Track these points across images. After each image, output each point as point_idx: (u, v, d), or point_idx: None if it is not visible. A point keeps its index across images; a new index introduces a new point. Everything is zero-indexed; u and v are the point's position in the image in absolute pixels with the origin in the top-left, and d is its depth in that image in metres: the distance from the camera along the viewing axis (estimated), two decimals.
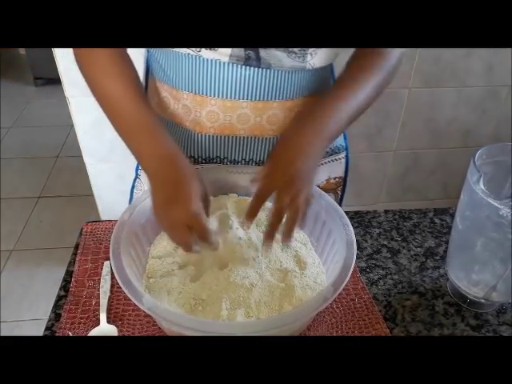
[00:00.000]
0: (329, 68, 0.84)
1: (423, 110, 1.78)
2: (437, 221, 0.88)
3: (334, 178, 0.94)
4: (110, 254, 0.60)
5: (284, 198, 0.61)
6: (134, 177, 0.93)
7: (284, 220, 0.63)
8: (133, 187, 0.93)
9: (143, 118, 0.68)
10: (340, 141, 0.93)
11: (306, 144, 0.66)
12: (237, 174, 0.78)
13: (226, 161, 0.83)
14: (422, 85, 1.71)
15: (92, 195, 1.63)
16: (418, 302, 0.71)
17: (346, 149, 0.94)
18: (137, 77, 0.72)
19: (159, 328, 0.64)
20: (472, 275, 0.67)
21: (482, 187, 0.60)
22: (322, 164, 0.90)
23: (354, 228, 0.68)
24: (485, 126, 1.88)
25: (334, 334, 0.64)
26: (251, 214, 0.64)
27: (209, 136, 0.79)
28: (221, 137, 0.79)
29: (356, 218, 0.87)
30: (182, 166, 0.65)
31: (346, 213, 0.70)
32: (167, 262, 0.68)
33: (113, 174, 1.58)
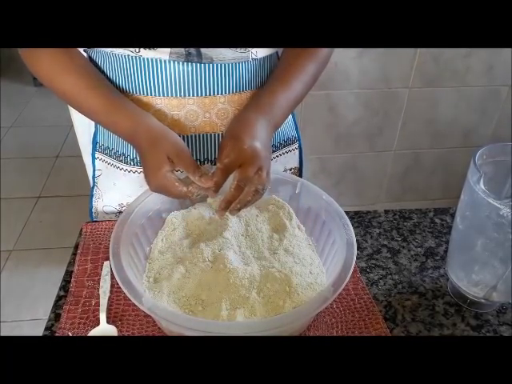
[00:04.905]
0: (274, 57, 0.83)
1: (423, 110, 1.78)
2: (437, 221, 0.88)
3: (290, 170, 0.94)
4: (110, 254, 0.60)
5: (249, 170, 0.62)
6: (91, 185, 0.90)
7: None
8: (91, 196, 0.89)
9: (104, 102, 0.70)
10: (291, 132, 0.92)
11: (261, 125, 0.68)
12: None
13: None
14: (422, 85, 1.71)
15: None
16: (418, 302, 0.71)
17: (299, 139, 0.94)
18: (86, 64, 0.73)
19: (159, 328, 0.64)
20: (472, 275, 0.67)
21: (483, 187, 0.60)
22: (277, 156, 0.89)
23: (354, 228, 0.68)
24: (485, 126, 1.88)
25: (334, 334, 0.64)
26: (217, 188, 0.63)
27: None
28: None
29: (356, 218, 0.87)
30: (154, 124, 0.69)
31: (346, 213, 0.70)
32: (167, 262, 0.67)
33: None
